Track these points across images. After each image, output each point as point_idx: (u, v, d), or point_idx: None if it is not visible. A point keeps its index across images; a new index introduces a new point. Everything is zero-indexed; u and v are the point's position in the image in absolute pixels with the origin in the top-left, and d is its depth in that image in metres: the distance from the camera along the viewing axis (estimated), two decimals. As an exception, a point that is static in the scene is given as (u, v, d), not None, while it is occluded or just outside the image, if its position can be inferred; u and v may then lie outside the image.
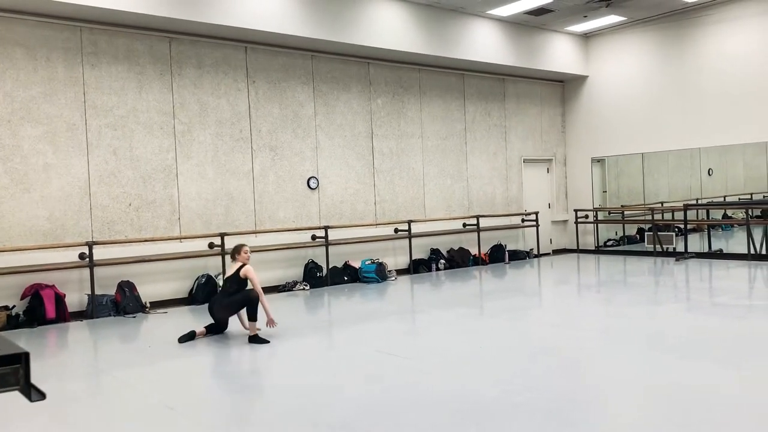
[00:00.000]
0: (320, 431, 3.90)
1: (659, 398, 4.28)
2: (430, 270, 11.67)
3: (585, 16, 12.32)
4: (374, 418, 4.08)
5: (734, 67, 11.65)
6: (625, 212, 14.03)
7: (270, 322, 6.46)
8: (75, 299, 8.22)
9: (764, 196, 12.66)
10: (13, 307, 7.74)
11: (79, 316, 8.17)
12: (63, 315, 7.90)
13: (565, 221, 14.42)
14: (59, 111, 8.25)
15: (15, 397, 1.84)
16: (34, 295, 7.77)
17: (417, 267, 11.59)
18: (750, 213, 11.61)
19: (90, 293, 8.18)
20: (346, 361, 5.63)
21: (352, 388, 4.80)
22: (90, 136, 8.46)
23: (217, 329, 6.77)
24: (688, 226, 12.55)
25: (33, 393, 1.43)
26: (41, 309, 7.69)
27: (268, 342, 6.26)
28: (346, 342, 6.45)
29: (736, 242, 12.34)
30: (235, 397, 4.72)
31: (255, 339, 6.31)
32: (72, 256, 8.21)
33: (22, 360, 1.44)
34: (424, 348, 5.99)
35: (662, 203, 13.39)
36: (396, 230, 11.39)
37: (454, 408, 4.19)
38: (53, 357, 6.39)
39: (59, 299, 7.89)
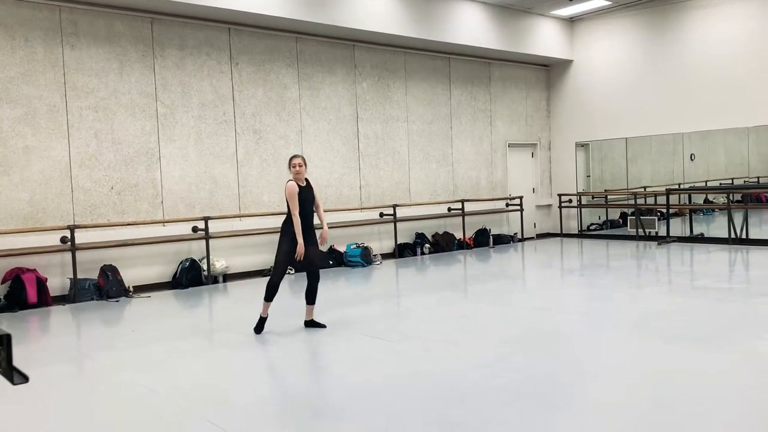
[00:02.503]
0: (303, 414, 3.90)
1: (641, 380, 4.33)
2: (415, 254, 11.70)
3: (570, 0, 12.30)
4: (358, 401, 4.09)
5: (717, 52, 11.72)
6: (609, 197, 14.13)
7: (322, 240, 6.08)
8: (57, 283, 8.13)
9: (745, 181, 12.82)
10: (-6, 291, 7.65)
11: (62, 300, 8.09)
12: (45, 299, 7.82)
13: (549, 206, 14.50)
14: (39, 92, 8.10)
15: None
16: (15, 279, 7.68)
17: (402, 251, 11.61)
18: (731, 198, 11.74)
19: (72, 277, 8.10)
20: (330, 344, 5.63)
21: (337, 371, 4.81)
22: (71, 118, 8.33)
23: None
24: (670, 211, 12.67)
25: (15, 376, 1.40)
26: (22, 293, 7.61)
27: (325, 326, 6.14)
28: (331, 325, 6.45)
29: (717, 226, 12.50)
30: (219, 381, 4.71)
31: (311, 323, 6.18)
32: (53, 239, 8.11)
33: (3, 342, 1.41)
34: (409, 331, 6.01)
35: (645, 188, 13.51)
36: (381, 214, 11.39)
37: (437, 391, 4.22)
38: (35, 341, 6.32)
39: (41, 283, 7.81)
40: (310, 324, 6.19)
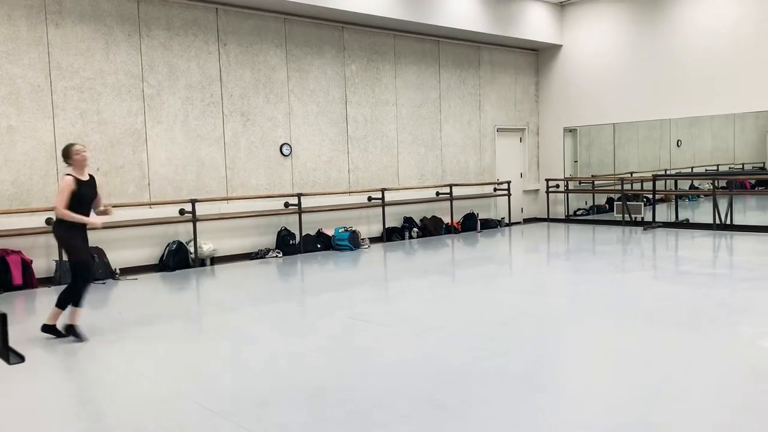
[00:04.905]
0: (294, 395, 3.92)
1: (625, 363, 4.38)
2: (403, 238, 11.71)
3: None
4: (347, 383, 4.11)
5: (706, 39, 11.75)
6: (595, 182, 14.20)
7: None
8: (42, 265, 8.05)
9: (730, 168, 12.94)
10: (-22, 273, 7.56)
11: (47, 282, 8.02)
12: (30, 281, 7.75)
13: (537, 190, 14.55)
14: (23, 72, 7.97)
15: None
16: (0, 260, 7.60)
17: (390, 235, 11.62)
18: (716, 184, 11.85)
19: (58, 259, 8.02)
20: (319, 327, 5.64)
21: (326, 353, 4.82)
22: (55, 98, 8.20)
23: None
24: (657, 196, 12.77)
25: (11, 356, 1.38)
26: (7, 275, 7.54)
27: (84, 340, 5.26)
28: (320, 309, 6.47)
29: (702, 212, 12.62)
30: (208, 364, 4.70)
31: (71, 330, 5.32)
32: (38, 221, 8.01)
33: (-2, 322, 1.39)
34: (397, 315, 6.03)
35: (632, 173, 13.59)
36: (369, 198, 11.37)
37: (425, 373, 4.25)
38: (21, 324, 6.26)
39: (26, 265, 7.74)
40: (70, 330, 5.33)
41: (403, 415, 3.56)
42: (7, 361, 1.39)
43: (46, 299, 7.29)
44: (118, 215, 8.59)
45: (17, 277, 7.59)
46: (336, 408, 3.68)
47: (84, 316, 6.51)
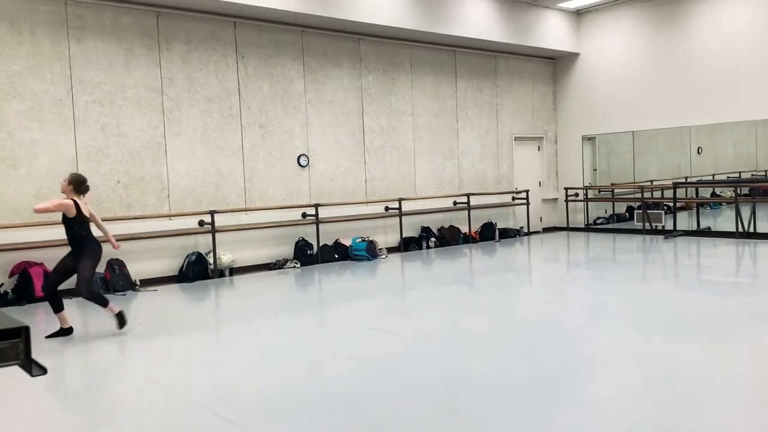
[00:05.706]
0: (311, 405, 3.91)
1: (647, 373, 4.32)
2: (420, 248, 11.69)
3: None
4: (365, 393, 4.09)
5: (725, 45, 11.64)
6: (615, 190, 14.08)
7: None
8: (64, 277, 8.13)
9: (752, 175, 12.76)
10: (2, 285, 7.67)
11: (69, 294, 8.07)
12: (52, 293, 7.82)
13: (555, 199, 14.46)
14: (45, 86, 8.10)
15: (13, 372, 1.80)
16: (23, 272, 7.71)
17: (407, 245, 11.60)
18: (738, 191, 11.69)
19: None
20: (337, 337, 5.63)
21: (344, 363, 4.81)
22: (77, 112, 8.33)
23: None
24: (677, 204, 12.62)
25: (34, 368, 1.40)
26: (30, 287, 7.64)
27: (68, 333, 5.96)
28: (337, 319, 6.46)
29: (725, 220, 12.44)
30: (224, 374, 4.71)
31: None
32: (60, 233, 8.02)
33: (22, 334, 1.40)
34: (415, 325, 6.01)
35: (652, 181, 13.45)
36: (386, 208, 11.37)
37: (444, 383, 4.22)
38: (43, 334, 6.34)
39: (48, 277, 7.81)
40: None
41: (420, 425, 3.53)
42: (30, 373, 1.40)
43: (67, 311, 7.34)
44: (139, 227, 8.71)
45: (39, 289, 7.65)
46: (351, 418, 3.67)
47: (104, 327, 6.58)
